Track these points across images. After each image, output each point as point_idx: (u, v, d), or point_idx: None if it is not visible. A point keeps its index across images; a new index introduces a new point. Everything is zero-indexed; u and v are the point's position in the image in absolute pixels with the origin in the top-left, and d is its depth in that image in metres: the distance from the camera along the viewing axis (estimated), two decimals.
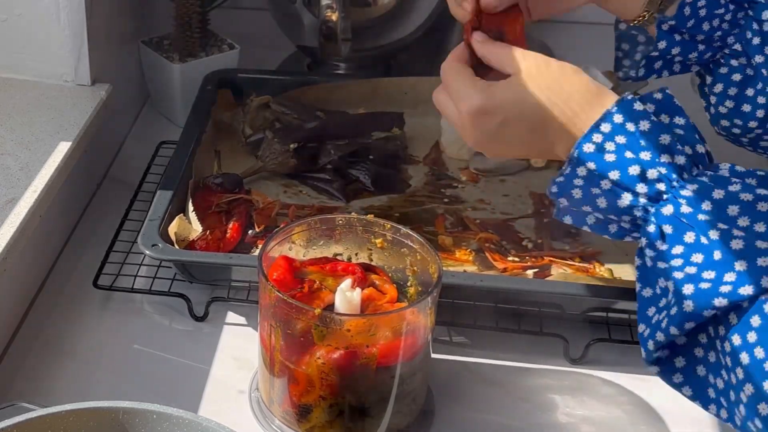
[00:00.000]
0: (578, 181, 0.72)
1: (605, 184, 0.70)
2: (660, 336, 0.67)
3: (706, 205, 0.67)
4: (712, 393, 0.67)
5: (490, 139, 0.77)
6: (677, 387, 0.69)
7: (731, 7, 0.86)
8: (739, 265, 0.64)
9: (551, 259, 0.97)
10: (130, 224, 1.02)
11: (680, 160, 0.69)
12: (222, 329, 0.94)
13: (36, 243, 0.95)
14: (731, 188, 0.67)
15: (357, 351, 0.76)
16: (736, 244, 0.64)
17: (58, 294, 0.98)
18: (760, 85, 0.87)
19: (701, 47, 0.88)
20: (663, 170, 0.69)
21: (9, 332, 0.91)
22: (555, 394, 0.89)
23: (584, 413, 0.87)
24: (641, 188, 0.69)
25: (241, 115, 1.16)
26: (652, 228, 0.69)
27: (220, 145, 1.13)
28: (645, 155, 0.69)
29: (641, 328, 0.70)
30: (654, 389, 0.89)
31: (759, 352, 0.62)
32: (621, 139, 0.70)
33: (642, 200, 0.69)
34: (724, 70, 0.89)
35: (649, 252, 0.70)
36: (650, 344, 0.68)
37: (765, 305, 0.62)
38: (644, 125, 0.70)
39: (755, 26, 0.86)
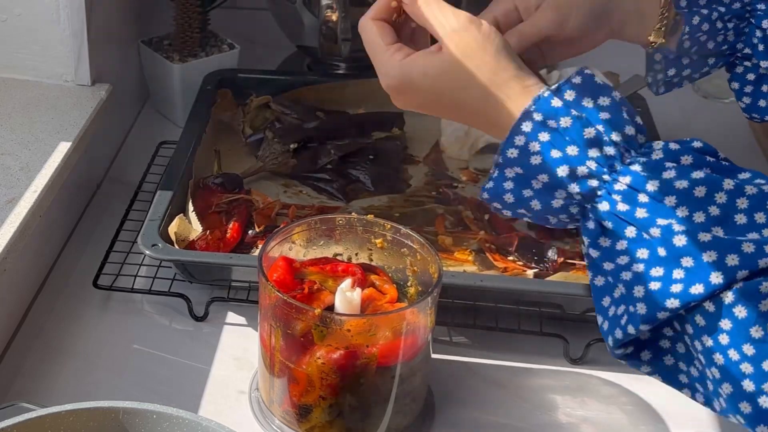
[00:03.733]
0: (509, 185, 0.68)
1: (536, 184, 0.67)
2: (619, 333, 0.65)
3: (642, 198, 0.64)
4: (684, 379, 0.66)
5: (419, 109, 0.76)
6: (649, 374, 0.67)
7: (731, 24, 0.88)
8: (686, 262, 0.62)
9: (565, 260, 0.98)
10: (130, 224, 1.02)
11: (609, 150, 0.66)
12: (222, 329, 0.94)
13: (36, 243, 0.95)
14: (665, 175, 0.64)
15: (357, 351, 0.76)
16: (679, 241, 0.62)
17: (58, 294, 0.98)
18: None
19: (711, 60, 0.91)
20: (593, 165, 0.65)
21: (9, 332, 0.91)
22: (555, 394, 0.89)
23: (584, 413, 0.87)
24: (573, 188, 0.66)
25: (241, 115, 1.16)
26: (591, 225, 0.66)
27: (220, 145, 1.13)
28: (572, 150, 0.66)
29: (599, 320, 0.67)
30: (654, 389, 0.89)
31: (733, 354, 0.61)
32: (545, 137, 0.66)
33: (577, 197, 0.66)
34: (739, 69, 0.91)
35: (592, 252, 0.67)
36: (610, 340, 0.66)
37: (734, 309, 0.61)
38: (566, 121, 0.66)
39: (758, 33, 0.88)
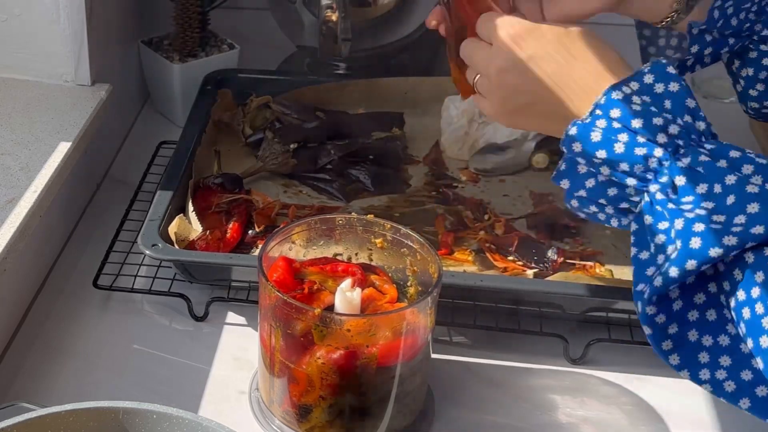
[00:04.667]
0: (598, 129, 0.71)
1: (623, 137, 0.70)
2: (658, 281, 0.66)
3: (722, 162, 0.67)
4: (704, 357, 0.66)
5: (513, 70, 0.77)
6: (665, 355, 0.67)
7: None
8: (752, 208, 0.64)
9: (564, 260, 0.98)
10: (130, 224, 1.02)
11: (701, 125, 0.70)
12: (222, 329, 0.94)
13: (36, 243, 0.95)
14: (747, 154, 0.68)
15: (357, 351, 0.76)
16: (752, 189, 0.65)
17: (58, 294, 0.98)
18: None
19: (731, 41, 0.90)
20: (685, 129, 0.69)
21: (9, 332, 0.91)
22: (555, 394, 0.89)
23: (584, 413, 0.87)
24: (662, 138, 0.69)
25: (241, 115, 1.16)
26: (664, 179, 0.69)
27: (220, 145, 1.13)
28: (668, 115, 0.70)
29: (639, 287, 0.68)
30: (654, 389, 0.89)
31: (759, 308, 0.62)
32: (647, 98, 0.70)
33: (658, 152, 0.69)
34: (753, 54, 0.91)
35: (659, 195, 0.69)
36: (646, 294, 0.67)
37: None
38: (674, 86, 0.71)
39: None
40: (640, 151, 0.69)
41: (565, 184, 0.74)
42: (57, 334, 0.92)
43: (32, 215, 0.90)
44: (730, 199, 0.65)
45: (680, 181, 0.68)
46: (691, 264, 0.64)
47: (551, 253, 0.98)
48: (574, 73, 0.75)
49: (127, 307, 0.96)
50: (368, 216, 0.86)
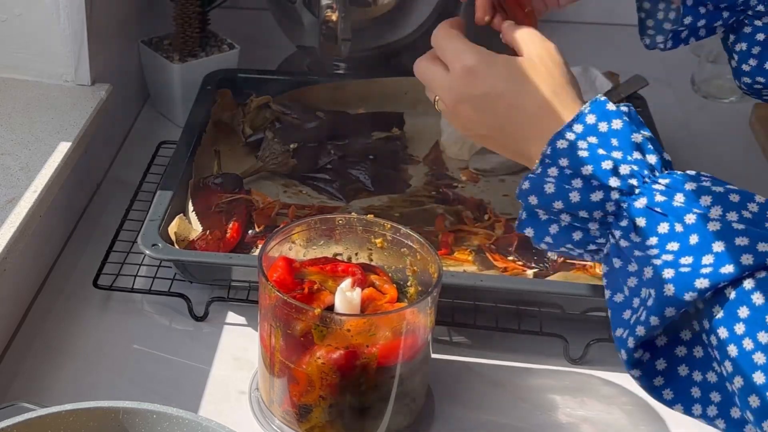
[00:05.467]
0: (551, 178, 0.71)
1: (577, 183, 0.70)
2: (640, 330, 0.65)
3: (679, 196, 0.66)
4: (696, 392, 0.66)
5: (469, 104, 0.79)
6: (657, 391, 0.67)
7: None
8: (718, 246, 0.63)
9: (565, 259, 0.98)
10: (130, 224, 1.02)
11: (652, 159, 0.69)
12: (222, 329, 0.94)
13: (36, 243, 0.95)
14: (703, 183, 0.67)
15: (357, 351, 0.76)
16: (713, 226, 0.64)
17: (58, 294, 0.98)
18: None
19: (725, 14, 0.91)
20: (635, 167, 0.69)
21: (9, 332, 0.91)
22: (555, 394, 0.89)
23: (584, 413, 0.87)
24: (614, 182, 0.69)
25: (241, 115, 1.16)
26: (624, 222, 0.68)
27: (220, 145, 1.13)
28: (617, 153, 0.70)
29: (618, 332, 0.68)
30: None
31: (748, 344, 0.61)
32: (593, 139, 0.71)
33: (615, 195, 0.69)
34: (748, 29, 0.91)
35: (623, 242, 0.69)
36: (630, 342, 0.66)
37: (753, 295, 0.61)
38: (617, 123, 0.71)
39: None
40: (596, 197, 0.69)
41: (529, 232, 0.74)
42: (57, 334, 0.93)
43: (32, 215, 0.90)
44: (693, 239, 0.64)
45: (641, 222, 0.67)
46: (669, 311, 0.63)
47: (551, 253, 0.98)
48: (525, 108, 0.76)
49: (127, 307, 0.96)
50: (368, 216, 0.86)
